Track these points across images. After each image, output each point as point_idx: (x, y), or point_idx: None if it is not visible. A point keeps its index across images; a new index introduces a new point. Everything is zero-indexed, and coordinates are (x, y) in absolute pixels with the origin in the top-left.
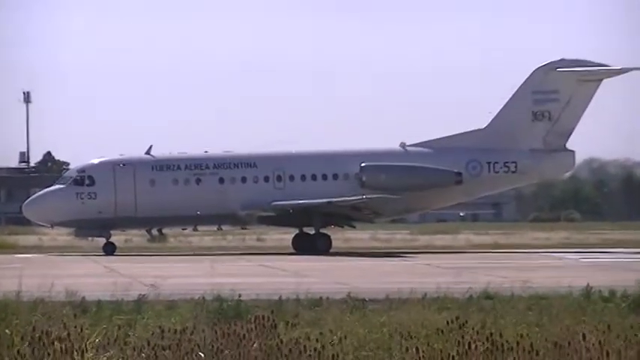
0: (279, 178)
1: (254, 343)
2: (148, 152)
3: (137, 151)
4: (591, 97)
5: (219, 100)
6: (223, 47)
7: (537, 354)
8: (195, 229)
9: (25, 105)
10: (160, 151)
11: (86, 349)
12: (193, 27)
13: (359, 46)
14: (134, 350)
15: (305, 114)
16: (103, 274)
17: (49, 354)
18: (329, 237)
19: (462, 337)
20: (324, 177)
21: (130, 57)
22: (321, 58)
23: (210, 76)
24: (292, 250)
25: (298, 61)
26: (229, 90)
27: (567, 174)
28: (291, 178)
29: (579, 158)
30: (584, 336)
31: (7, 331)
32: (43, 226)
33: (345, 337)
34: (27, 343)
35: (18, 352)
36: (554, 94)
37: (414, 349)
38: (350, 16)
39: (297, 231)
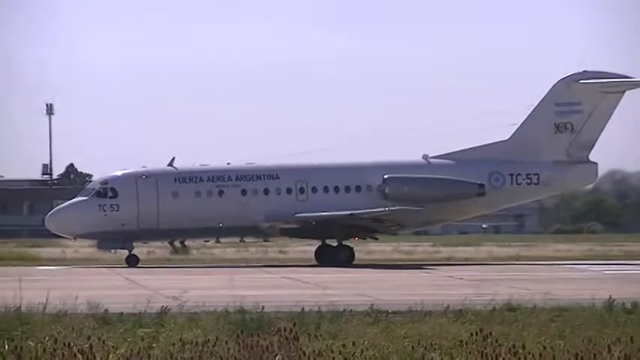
0: (301, 190)
1: (276, 355)
2: (170, 164)
3: (160, 163)
4: (614, 109)
5: (241, 111)
6: (247, 56)
7: None
8: (217, 241)
9: (47, 117)
10: (183, 163)
11: None
12: (218, 38)
13: (384, 57)
14: None
15: (327, 125)
16: (125, 286)
17: None
18: (351, 249)
19: (485, 349)
20: (347, 189)
21: (154, 70)
22: (345, 69)
23: (233, 86)
24: (315, 262)
25: (321, 72)
26: (253, 101)
27: (590, 186)
28: (314, 190)
29: (602, 170)
30: (609, 348)
31: (30, 342)
32: (65, 238)
33: (368, 349)
34: (50, 355)
35: None
36: (577, 105)
37: None
38: (370, 26)
39: (319, 243)
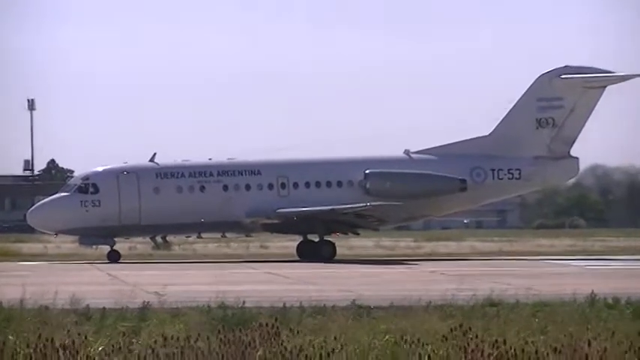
0: (283, 186)
1: (258, 350)
2: (151, 160)
3: (141, 159)
4: (595, 104)
5: (222, 107)
6: (226, 53)
7: None
8: (199, 237)
9: (29, 112)
10: (164, 159)
11: (91, 356)
12: (196, 33)
13: (363, 53)
14: (138, 358)
15: (308, 120)
16: (107, 281)
17: None
18: (333, 244)
19: (467, 344)
20: (329, 184)
21: (134, 65)
22: (325, 64)
23: (213, 82)
24: (296, 258)
25: (301, 67)
26: (232, 96)
27: (571, 181)
28: (295, 185)
29: (583, 165)
30: (589, 342)
31: (10, 337)
32: (47, 233)
33: (349, 344)
34: (32, 350)
35: (23, 359)
36: (559, 101)
37: (417, 356)
38: (352, 23)
39: (301, 238)
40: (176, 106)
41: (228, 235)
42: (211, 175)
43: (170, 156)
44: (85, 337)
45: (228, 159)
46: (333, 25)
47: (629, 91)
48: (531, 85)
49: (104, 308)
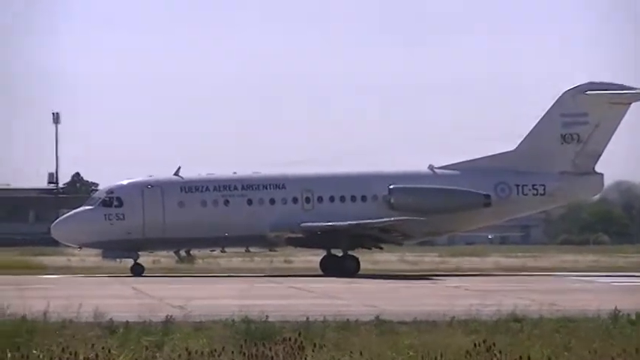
0: (307, 200)
1: None
2: (176, 173)
3: (166, 173)
4: (620, 120)
5: (247, 119)
6: (250, 64)
7: None
8: (223, 251)
9: (54, 126)
10: (189, 173)
11: None
12: (225, 50)
13: (391, 67)
14: None
15: (333, 135)
16: (130, 295)
17: None
18: (357, 259)
19: None
20: (353, 198)
21: (160, 79)
22: (353, 79)
23: (239, 95)
24: (320, 272)
25: (329, 81)
26: (258, 110)
27: (596, 196)
28: (320, 199)
29: (608, 181)
30: (612, 359)
31: (34, 351)
32: (71, 247)
33: None
34: None
35: None
36: (583, 116)
37: None
38: (379, 36)
39: (325, 253)
40: (202, 119)
41: (252, 249)
42: (236, 188)
43: (195, 170)
44: (109, 351)
45: (253, 173)
46: (361, 35)
47: None
48: (556, 101)
49: (128, 322)
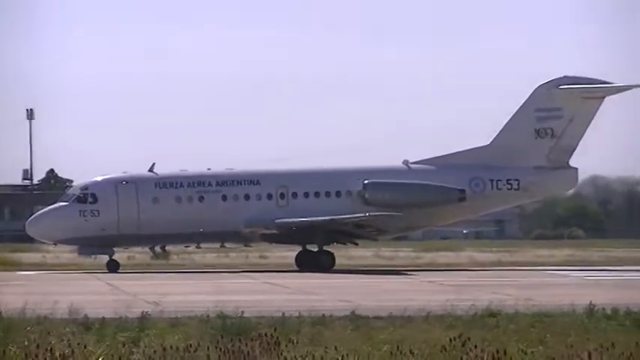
0: (282, 196)
1: None
2: (150, 170)
3: (140, 169)
4: (594, 114)
5: (220, 115)
6: (224, 60)
7: None
8: (198, 247)
9: (28, 122)
10: (163, 169)
11: None
12: (196, 42)
13: (363, 64)
14: None
15: (308, 130)
16: (106, 291)
17: None
18: (332, 254)
19: (466, 355)
20: (327, 194)
21: (134, 74)
22: (325, 74)
23: (213, 92)
24: (295, 268)
25: (301, 77)
26: (231, 105)
27: (570, 191)
28: (294, 195)
29: (583, 176)
30: (589, 354)
31: (10, 347)
32: (46, 243)
33: (348, 355)
34: None
35: None
36: (557, 111)
37: None
38: (353, 33)
39: (300, 248)
40: (175, 116)
41: (227, 245)
42: (210, 185)
43: (169, 166)
44: (85, 347)
45: (227, 169)
46: (334, 31)
47: (627, 101)
48: (530, 96)
49: (103, 318)
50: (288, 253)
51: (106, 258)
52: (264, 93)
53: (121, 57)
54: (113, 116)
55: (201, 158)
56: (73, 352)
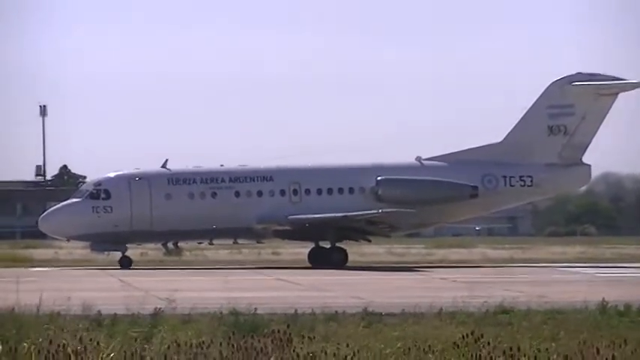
0: (295, 192)
1: (270, 357)
2: (163, 166)
3: (153, 165)
4: (607, 111)
5: (233, 112)
6: (237, 58)
7: None
8: (210, 243)
9: (41, 118)
10: (176, 165)
11: None
12: (209, 40)
13: (376, 59)
14: None
15: (321, 127)
16: (118, 287)
17: None
18: (345, 251)
19: (479, 352)
20: (340, 191)
21: (147, 70)
22: (336, 71)
23: (227, 89)
24: (308, 264)
25: (314, 74)
26: (245, 102)
27: (583, 188)
28: (307, 191)
29: (595, 172)
30: (597, 350)
31: (24, 344)
32: (59, 239)
33: (361, 351)
34: (43, 356)
35: None
36: (570, 108)
37: None
38: (366, 29)
39: (312, 245)
40: (189, 112)
41: (239, 241)
42: (223, 181)
43: (183, 162)
44: (97, 343)
45: (240, 165)
46: (340, 30)
47: None
48: (543, 92)
49: (116, 314)
50: (301, 250)
51: (118, 254)
52: (264, 92)
53: (133, 52)
54: (126, 112)
55: (211, 155)
56: (85, 348)
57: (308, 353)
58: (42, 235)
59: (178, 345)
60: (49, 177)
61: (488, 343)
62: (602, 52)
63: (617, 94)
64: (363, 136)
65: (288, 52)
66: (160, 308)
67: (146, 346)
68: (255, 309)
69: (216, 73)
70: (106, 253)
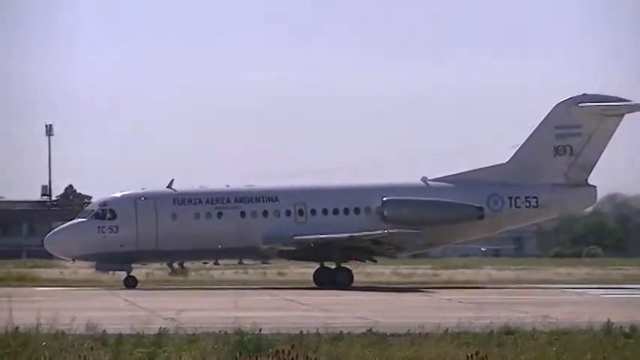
0: (300, 212)
1: None
2: (169, 186)
3: (159, 185)
4: (613, 132)
5: (238, 131)
6: (242, 76)
7: None
8: (216, 263)
9: (47, 138)
10: (182, 185)
11: None
12: (215, 59)
13: (381, 79)
14: None
15: (326, 146)
16: (123, 307)
17: None
18: (350, 271)
19: None
20: (346, 211)
21: (152, 91)
22: (342, 89)
23: (231, 107)
24: (313, 285)
25: (317, 92)
26: (248, 121)
27: (589, 209)
28: (313, 212)
29: (602, 193)
30: None
31: None
32: (64, 259)
33: None
34: None
35: None
36: (576, 128)
37: None
38: (369, 48)
39: (318, 265)
40: (194, 131)
41: (245, 261)
42: (229, 201)
43: (188, 182)
44: None
45: (246, 185)
46: (351, 48)
47: None
48: (549, 113)
49: (120, 334)
50: (306, 270)
51: (123, 274)
52: (284, 109)
53: (142, 72)
54: (132, 132)
55: (219, 174)
56: None
57: None
58: (48, 255)
59: None
60: (54, 197)
61: None
62: (604, 74)
63: (622, 115)
64: (369, 158)
65: (299, 70)
66: (164, 328)
67: None
68: (260, 329)
69: (221, 91)
70: (111, 273)
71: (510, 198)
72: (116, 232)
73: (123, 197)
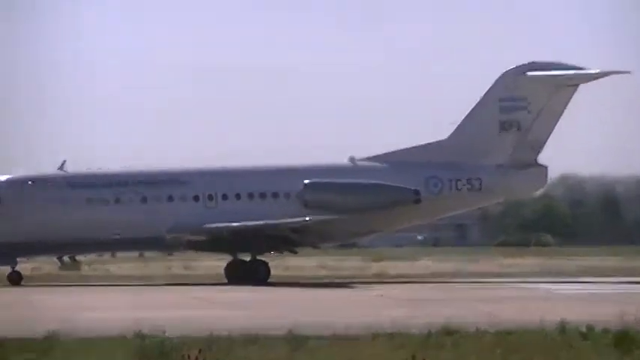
0: (210, 197)
1: None
2: (61, 168)
3: (49, 167)
4: (566, 105)
5: (149, 112)
6: (155, 48)
7: None
8: (113, 256)
9: None
10: (76, 167)
11: None
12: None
13: (310, 47)
14: None
15: (243, 121)
16: (7, 306)
17: None
18: (267, 264)
19: None
20: (262, 196)
21: (44, 59)
22: (266, 59)
23: (139, 80)
24: (225, 280)
25: (236, 64)
26: (160, 95)
27: (539, 192)
28: (225, 197)
29: (552, 174)
30: None
31: None
32: None
33: None
34: None
35: None
36: (524, 101)
37: None
38: (299, 16)
39: (230, 258)
40: (89, 105)
41: (146, 253)
42: (128, 185)
43: (83, 164)
44: None
45: (148, 167)
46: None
47: (604, 90)
48: (493, 84)
49: (6, 338)
50: (217, 263)
51: (7, 269)
52: (196, 79)
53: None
54: (23, 108)
55: (121, 156)
56: None
57: None
58: None
59: None
60: None
61: None
62: (561, 40)
63: (576, 85)
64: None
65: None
66: (54, 331)
67: None
68: (164, 331)
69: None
70: None
71: (451, 180)
72: None
73: (9, 181)
